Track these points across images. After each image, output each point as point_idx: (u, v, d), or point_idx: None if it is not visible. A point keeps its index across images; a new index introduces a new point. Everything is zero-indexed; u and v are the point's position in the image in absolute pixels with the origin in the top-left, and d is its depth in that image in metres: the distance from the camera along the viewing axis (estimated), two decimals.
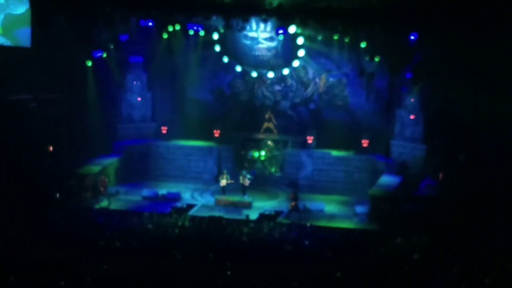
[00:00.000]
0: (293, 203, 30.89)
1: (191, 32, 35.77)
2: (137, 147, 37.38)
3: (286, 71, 37.07)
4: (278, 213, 31.16)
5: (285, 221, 29.83)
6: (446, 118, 31.03)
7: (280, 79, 37.66)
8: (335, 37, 33.79)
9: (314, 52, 36.20)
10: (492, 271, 21.02)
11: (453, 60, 29.93)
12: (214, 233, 26.05)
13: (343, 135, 36.28)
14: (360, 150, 35.69)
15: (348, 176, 35.50)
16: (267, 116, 37.37)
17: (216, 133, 37.50)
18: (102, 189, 32.39)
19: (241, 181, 33.69)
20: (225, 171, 34.25)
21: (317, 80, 37.32)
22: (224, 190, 33.78)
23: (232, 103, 38.67)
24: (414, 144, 33.81)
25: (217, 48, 36.76)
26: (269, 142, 37.03)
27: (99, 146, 35.91)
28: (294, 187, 34.30)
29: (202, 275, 20.46)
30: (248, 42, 36.73)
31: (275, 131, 37.44)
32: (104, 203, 31.88)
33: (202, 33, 35.65)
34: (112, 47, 35.01)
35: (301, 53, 35.88)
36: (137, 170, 36.95)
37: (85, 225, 26.36)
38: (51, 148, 33.72)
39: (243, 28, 34.33)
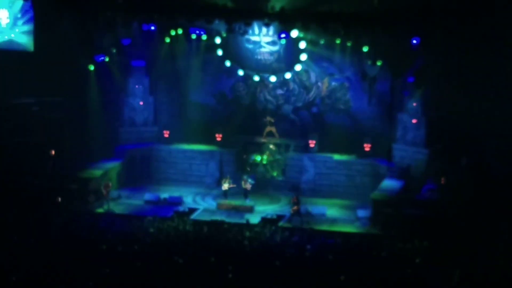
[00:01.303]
0: (295, 207, 30.84)
1: (194, 36, 35.90)
2: (139, 151, 37.40)
3: (288, 75, 37.09)
4: (280, 217, 31.13)
5: (287, 225, 29.79)
6: (448, 122, 31.03)
7: (282, 83, 37.67)
8: (337, 41, 33.89)
9: (316, 56, 36.23)
10: (493, 275, 21.01)
11: (455, 64, 29.95)
12: (216, 237, 26.04)
13: (345, 139, 36.29)
14: (362, 154, 35.67)
15: (350, 180, 35.46)
16: (268, 119, 37.37)
17: (218, 137, 37.50)
18: (104, 192, 32.36)
19: (243, 185, 33.70)
20: (228, 176, 34.23)
21: (319, 84, 37.33)
22: (226, 194, 33.79)
23: (234, 107, 38.66)
24: (416, 148, 33.76)
25: (219, 52, 36.81)
26: (271, 146, 36.99)
27: (101, 150, 35.93)
28: (296, 191, 34.28)
29: (204, 279, 20.45)
30: (250, 46, 36.77)
31: (277, 135, 37.44)
32: (105, 207, 31.85)
33: (204, 37, 35.75)
34: (114, 51, 35.04)
35: (303, 57, 35.90)
36: (139, 174, 36.97)
37: (87, 229, 26.35)
38: (53, 152, 33.75)
39: (245, 32, 34.38)
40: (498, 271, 21.37)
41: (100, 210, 31.50)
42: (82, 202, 32.11)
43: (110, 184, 32.76)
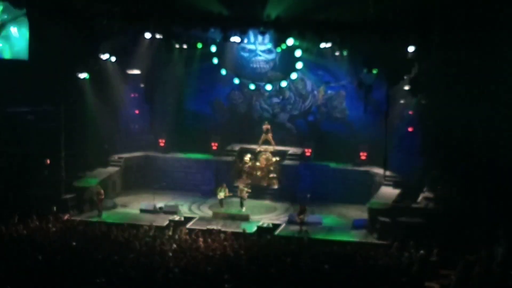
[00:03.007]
0: (301, 216, 30.67)
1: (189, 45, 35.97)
2: (135, 160, 37.35)
3: (284, 84, 37.13)
4: (276, 226, 31.06)
5: (283, 234, 29.72)
6: (444, 131, 30.96)
7: (278, 91, 37.72)
8: (333, 50, 33.94)
9: (312, 64, 36.31)
10: (491, 284, 20.95)
11: (451, 72, 29.92)
12: (212, 246, 25.92)
13: (341, 147, 36.28)
14: (358, 162, 35.67)
15: (346, 188, 35.40)
16: (264, 128, 37.34)
17: (214, 146, 37.50)
18: (97, 200, 32.30)
19: (239, 193, 33.62)
20: (224, 184, 34.09)
21: (315, 92, 37.40)
22: (221, 203, 33.69)
23: (230, 115, 38.71)
24: (413, 156, 33.68)
25: (215, 60, 36.86)
26: (267, 154, 36.93)
27: (97, 159, 35.88)
28: (294, 200, 34.28)
29: None
30: (246, 54, 36.83)
31: (273, 143, 37.41)
32: (99, 216, 31.74)
33: (199, 45, 35.78)
34: (110, 59, 34.99)
35: (299, 65, 35.95)
36: (135, 182, 36.86)
37: (83, 238, 26.24)
38: (48, 161, 33.64)
39: (241, 41, 34.43)
40: (496, 279, 21.31)
41: (95, 219, 31.38)
42: (78, 211, 32.06)
43: (102, 191, 32.65)
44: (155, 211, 33.18)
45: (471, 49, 28.76)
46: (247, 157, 37.04)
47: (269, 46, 36.35)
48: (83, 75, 33.84)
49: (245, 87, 37.91)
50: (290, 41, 33.48)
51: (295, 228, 30.41)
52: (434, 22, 29.10)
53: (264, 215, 33.43)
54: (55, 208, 31.19)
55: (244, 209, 33.36)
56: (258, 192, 35.69)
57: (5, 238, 25.20)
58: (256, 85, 37.58)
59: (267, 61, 37.10)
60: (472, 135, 29.27)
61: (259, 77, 37.44)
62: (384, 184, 33.64)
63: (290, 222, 31.64)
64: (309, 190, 35.29)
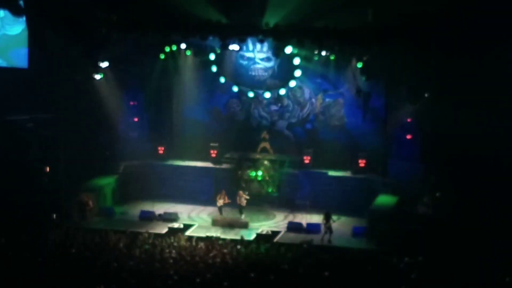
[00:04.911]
0: (328, 223, 30.63)
1: (188, 53, 36.05)
2: (134, 167, 37.33)
3: (282, 91, 37.18)
4: (275, 233, 31.06)
5: (282, 241, 29.73)
6: (443, 137, 31.04)
7: (277, 99, 37.75)
8: (332, 57, 34.03)
9: (311, 72, 36.34)
10: None
11: (449, 79, 30.02)
12: (211, 253, 25.93)
13: (340, 155, 36.29)
14: (357, 169, 35.67)
15: (345, 195, 35.35)
16: (263, 135, 37.39)
17: (213, 153, 37.50)
18: (87, 208, 32.36)
19: (238, 201, 33.64)
20: (223, 192, 34.09)
21: (313, 100, 37.41)
22: (221, 210, 33.70)
23: (228, 123, 38.73)
24: (411, 164, 33.74)
25: (214, 68, 36.93)
26: (266, 162, 36.98)
27: (96, 166, 35.86)
28: (292, 206, 34.33)
29: None
30: (244, 62, 36.89)
31: (271, 151, 37.44)
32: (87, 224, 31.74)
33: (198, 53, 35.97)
34: (109, 67, 35.01)
35: (297, 73, 36.01)
36: (134, 190, 36.86)
37: (82, 245, 26.24)
38: (47, 169, 33.66)
39: (240, 49, 34.49)
40: (494, 286, 21.36)
41: (94, 226, 31.40)
42: (76, 218, 32.05)
43: (90, 201, 32.58)
44: (154, 218, 33.20)
45: (470, 56, 28.87)
46: (246, 164, 37.10)
47: (268, 54, 36.36)
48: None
49: (244, 95, 37.94)
50: (288, 49, 33.56)
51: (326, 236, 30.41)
52: (433, 30, 29.19)
53: (263, 223, 33.48)
54: (54, 216, 31.24)
55: (243, 217, 33.38)
56: (257, 200, 35.71)
57: (5, 245, 25.22)
58: (254, 92, 37.63)
59: (265, 69, 37.15)
60: (471, 141, 29.35)
61: (257, 84, 37.47)
62: (383, 191, 33.66)
63: (289, 229, 31.71)
64: (308, 198, 35.38)
